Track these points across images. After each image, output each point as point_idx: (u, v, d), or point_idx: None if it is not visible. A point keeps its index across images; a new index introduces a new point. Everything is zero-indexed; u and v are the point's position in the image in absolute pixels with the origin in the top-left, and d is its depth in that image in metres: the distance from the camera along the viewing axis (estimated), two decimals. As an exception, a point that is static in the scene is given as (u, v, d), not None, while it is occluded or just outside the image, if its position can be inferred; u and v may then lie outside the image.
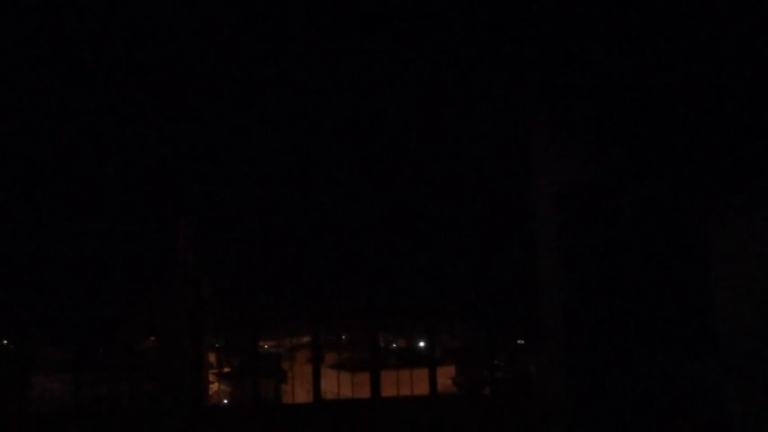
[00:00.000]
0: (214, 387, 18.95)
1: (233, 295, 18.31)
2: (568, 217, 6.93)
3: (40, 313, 16.66)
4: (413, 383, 18.25)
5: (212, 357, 19.14)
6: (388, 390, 18.10)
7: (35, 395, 16.74)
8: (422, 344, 19.39)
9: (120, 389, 17.26)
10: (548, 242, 7.10)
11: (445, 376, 18.44)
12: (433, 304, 18.94)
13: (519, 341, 18.31)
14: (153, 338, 18.60)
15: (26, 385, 16.74)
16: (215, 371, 18.91)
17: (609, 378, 6.25)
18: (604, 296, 6.39)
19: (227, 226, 18.11)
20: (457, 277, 18.27)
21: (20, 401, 16.46)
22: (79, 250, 16.93)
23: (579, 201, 6.84)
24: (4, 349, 17.27)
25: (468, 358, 19.00)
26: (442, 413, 15.35)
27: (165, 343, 18.65)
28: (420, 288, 18.45)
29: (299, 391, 18.61)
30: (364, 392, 18.38)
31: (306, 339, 19.36)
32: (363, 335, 19.86)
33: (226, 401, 18.79)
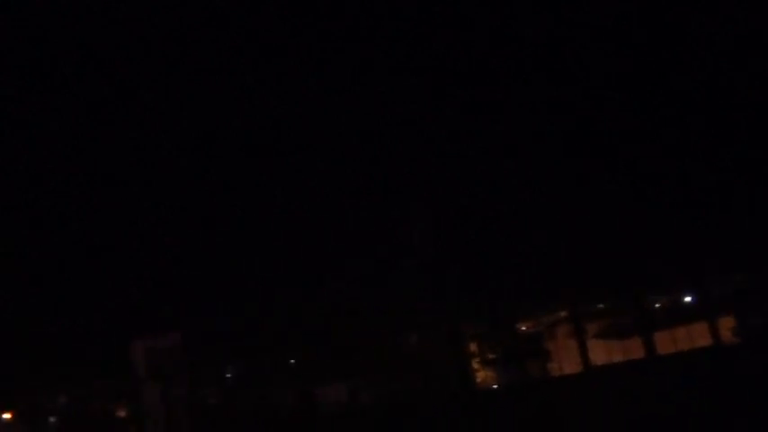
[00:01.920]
0: (481, 375, 18.93)
1: (481, 281, 18.18)
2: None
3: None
4: (691, 339, 16.79)
5: (474, 346, 19.14)
6: (663, 350, 16.77)
7: (318, 402, 18.04)
8: (688, 299, 17.79)
9: (389, 386, 17.97)
10: None
11: (723, 327, 16.68)
12: (701, 252, 17.07)
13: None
14: (416, 336, 19.08)
15: (310, 394, 18.18)
16: (478, 359, 18.92)
17: None
18: None
19: (465, 209, 18.06)
20: (723, 220, 16.49)
21: (306, 408, 17.87)
22: (332, 257, 17.95)
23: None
24: (288, 366, 18.89)
25: (748, 306, 17.05)
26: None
27: (425, 337, 19.08)
28: (683, 235, 16.82)
29: (566, 365, 17.97)
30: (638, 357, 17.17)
31: (563, 314, 18.64)
32: (625, 299, 18.55)
33: (495, 386, 18.66)
